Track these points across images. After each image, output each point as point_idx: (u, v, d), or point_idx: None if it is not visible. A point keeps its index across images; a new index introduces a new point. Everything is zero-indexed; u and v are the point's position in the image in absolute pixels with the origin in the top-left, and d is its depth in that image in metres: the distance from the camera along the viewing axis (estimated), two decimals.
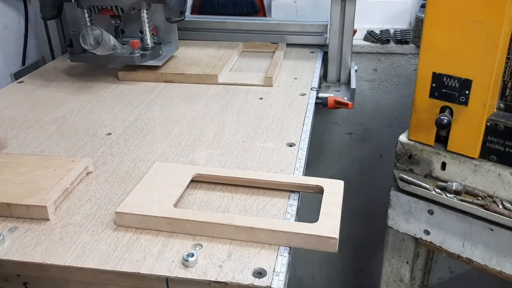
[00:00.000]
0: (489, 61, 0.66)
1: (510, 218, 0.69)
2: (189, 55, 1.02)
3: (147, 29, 0.92)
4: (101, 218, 0.53)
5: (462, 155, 0.74)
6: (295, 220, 0.54)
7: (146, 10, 0.91)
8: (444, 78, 0.71)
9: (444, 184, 0.76)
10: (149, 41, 0.93)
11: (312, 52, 1.09)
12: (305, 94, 0.86)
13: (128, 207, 0.52)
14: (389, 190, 0.82)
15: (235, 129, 0.74)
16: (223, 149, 0.68)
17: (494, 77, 0.67)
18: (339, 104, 0.95)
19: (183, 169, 0.60)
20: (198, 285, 0.45)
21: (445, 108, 0.73)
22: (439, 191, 0.76)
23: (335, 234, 0.49)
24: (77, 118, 0.79)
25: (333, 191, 0.58)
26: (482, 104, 0.69)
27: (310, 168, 1.37)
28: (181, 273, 0.45)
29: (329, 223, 0.51)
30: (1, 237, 0.49)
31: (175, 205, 0.53)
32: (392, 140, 0.83)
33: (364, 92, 1.28)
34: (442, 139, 0.76)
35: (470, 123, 0.71)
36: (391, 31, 1.24)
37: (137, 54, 0.90)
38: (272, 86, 0.90)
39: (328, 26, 1.02)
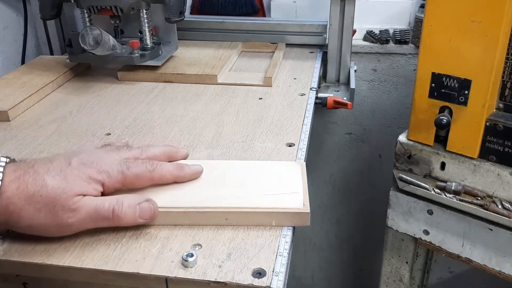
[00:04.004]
0: (489, 61, 0.66)
1: (510, 218, 0.70)
2: (189, 55, 1.02)
3: (147, 29, 0.92)
4: None
5: (461, 155, 0.74)
6: None
7: (146, 10, 0.91)
8: (444, 78, 0.71)
9: (443, 184, 0.76)
10: (148, 41, 0.93)
11: (312, 52, 1.09)
12: (304, 94, 0.86)
13: None
14: (389, 190, 0.82)
15: (235, 129, 0.74)
16: (223, 149, 0.68)
17: (493, 77, 0.67)
18: (338, 104, 0.95)
19: None
20: (198, 285, 0.45)
21: (444, 108, 0.73)
22: (439, 191, 0.76)
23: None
24: (77, 118, 0.78)
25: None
26: (481, 104, 0.69)
27: (310, 168, 1.38)
28: (180, 273, 0.45)
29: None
30: (1, 236, 0.49)
31: None
32: (391, 140, 0.84)
33: (364, 92, 1.28)
34: (441, 139, 0.77)
35: (470, 123, 0.71)
36: (391, 31, 1.24)
37: (137, 54, 0.90)
38: (271, 86, 0.90)
39: (328, 26, 1.02)
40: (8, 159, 0.46)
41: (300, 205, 0.52)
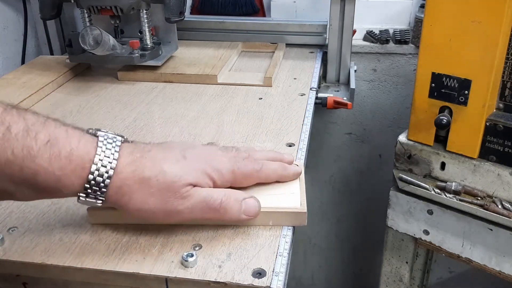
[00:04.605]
0: (488, 61, 0.66)
1: (509, 218, 0.70)
2: (189, 55, 1.02)
3: (147, 29, 0.92)
4: None
5: (461, 155, 0.74)
6: None
7: (146, 10, 0.91)
8: (443, 78, 0.71)
9: (443, 184, 0.76)
10: (148, 41, 0.93)
11: (312, 52, 1.09)
12: (304, 94, 0.86)
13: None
14: (389, 190, 0.82)
15: (235, 129, 0.74)
16: None
17: (493, 77, 0.67)
18: (338, 104, 0.95)
19: None
20: (198, 285, 0.45)
21: (444, 108, 0.73)
22: (439, 191, 0.76)
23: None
24: (77, 118, 0.78)
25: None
26: (481, 104, 0.69)
27: (310, 168, 1.38)
28: (180, 273, 0.45)
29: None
30: (1, 236, 0.49)
31: None
32: (392, 140, 0.84)
33: (364, 92, 1.28)
34: (441, 139, 0.77)
35: (470, 123, 0.71)
36: (391, 31, 1.24)
37: (137, 54, 0.90)
38: (271, 86, 0.90)
39: (328, 26, 1.02)
40: (123, 139, 0.45)
41: (297, 205, 0.52)
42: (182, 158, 0.47)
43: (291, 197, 0.53)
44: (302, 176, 0.57)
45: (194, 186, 0.46)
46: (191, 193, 0.46)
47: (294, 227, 0.52)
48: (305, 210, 0.51)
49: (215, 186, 0.49)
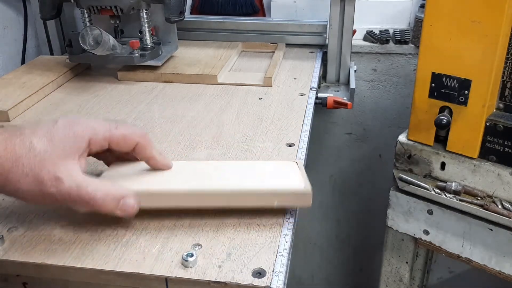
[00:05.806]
0: (488, 61, 0.66)
1: (509, 218, 0.70)
2: (189, 55, 1.02)
3: (147, 29, 0.92)
4: (99, 218, 0.53)
5: (461, 155, 0.74)
6: None
7: (146, 10, 0.91)
8: (444, 78, 0.71)
9: (443, 184, 0.76)
10: (148, 41, 0.93)
11: (312, 52, 1.09)
12: (304, 94, 0.86)
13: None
14: (389, 190, 0.82)
15: (235, 129, 0.74)
16: (223, 149, 0.68)
17: (493, 77, 0.67)
18: (338, 104, 0.95)
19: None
20: (198, 285, 0.45)
21: (444, 108, 0.73)
22: (439, 191, 0.76)
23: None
24: None
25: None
26: (482, 104, 0.69)
27: (309, 168, 1.38)
28: (180, 273, 0.45)
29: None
30: (1, 236, 0.49)
31: None
32: (392, 140, 0.84)
33: (364, 92, 1.28)
34: (441, 139, 0.77)
35: (470, 123, 0.71)
36: (391, 31, 1.24)
37: (137, 54, 0.90)
38: (271, 86, 0.90)
39: (328, 26, 1.02)
40: None
41: (301, 187, 0.52)
42: (52, 126, 0.45)
43: (295, 179, 0.54)
44: (303, 169, 0.57)
45: (72, 162, 0.44)
46: (65, 175, 0.44)
47: (294, 226, 0.52)
48: (310, 191, 0.51)
49: (91, 145, 0.47)
